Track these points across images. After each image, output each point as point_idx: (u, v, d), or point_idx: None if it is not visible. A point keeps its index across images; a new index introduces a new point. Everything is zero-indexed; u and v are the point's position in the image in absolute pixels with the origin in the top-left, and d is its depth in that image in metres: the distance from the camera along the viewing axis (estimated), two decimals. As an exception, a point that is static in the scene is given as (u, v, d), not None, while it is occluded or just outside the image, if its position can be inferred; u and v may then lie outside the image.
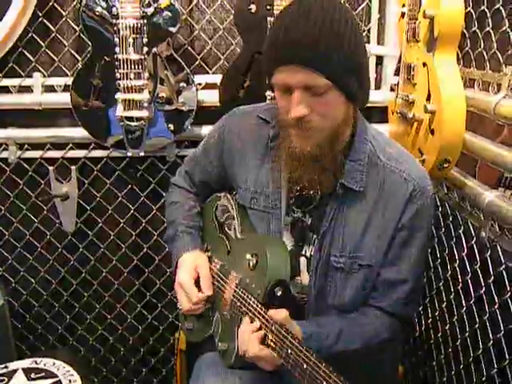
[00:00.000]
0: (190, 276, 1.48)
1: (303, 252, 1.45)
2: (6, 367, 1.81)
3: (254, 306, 1.34)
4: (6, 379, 1.75)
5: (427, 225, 1.41)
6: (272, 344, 1.23)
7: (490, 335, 1.61)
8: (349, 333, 1.36)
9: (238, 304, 1.40)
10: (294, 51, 1.19)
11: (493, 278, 1.60)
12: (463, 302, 1.78)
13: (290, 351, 1.17)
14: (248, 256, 1.42)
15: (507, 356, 1.51)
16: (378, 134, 1.45)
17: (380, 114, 2.17)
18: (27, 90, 2.17)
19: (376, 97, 2.18)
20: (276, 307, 1.28)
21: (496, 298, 1.58)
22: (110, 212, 2.37)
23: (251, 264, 1.40)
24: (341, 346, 1.34)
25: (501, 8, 1.56)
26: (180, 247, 1.56)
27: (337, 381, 1.06)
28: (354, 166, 1.36)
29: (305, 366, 1.13)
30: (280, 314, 1.24)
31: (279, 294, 1.32)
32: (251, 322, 1.31)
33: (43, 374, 1.79)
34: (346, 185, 1.36)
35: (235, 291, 1.43)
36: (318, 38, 1.18)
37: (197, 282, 1.49)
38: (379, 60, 2.21)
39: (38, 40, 2.14)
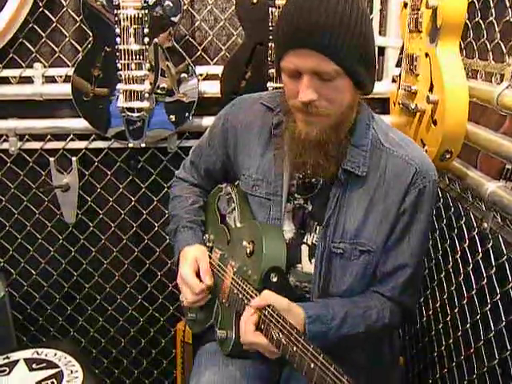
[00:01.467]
0: (190, 269, 1.49)
1: (304, 240, 1.45)
2: (7, 358, 1.82)
3: (250, 292, 1.36)
4: (8, 369, 1.76)
5: (429, 209, 1.40)
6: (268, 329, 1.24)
7: (492, 326, 1.61)
8: (354, 315, 1.36)
9: (236, 291, 1.42)
10: (307, 35, 1.18)
11: (494, 269, 1.60)
12: (464, 293, 1.78)
13: (295, 349, 1.16)
14: (245, 243, 1.44)
15: (508, 347, 1.51)
16: (379, 120, 1.46)
17: (382, 105, 2.17)
18: (28, 80, 2.16)
19: (378, 88, 2.14)
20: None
21: (498, 289, 1.58)
22: (110, 203, 2.37)
23: (248, 251, 1.42)
24: (345, 329, 1.34)
25: (504, -2, 1.56)
26: (181, 241, 1.57)
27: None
28: (357, 151, 1.37)
29: (312, 365, 1.12)
30: (268, 298, 1.27)
31: (274, 279, 1.34)
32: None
33: (45, 364, 1.80)
34: (348, 170, 1.36)
35: (233, 279, 1.45)
36: (332, 24, 1.18)
37: (198, 274, 1.49)
38: (381, 51, 2.21)
39: (39, 30, 2.13)
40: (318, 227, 1.42)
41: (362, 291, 1.44)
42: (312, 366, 1.11)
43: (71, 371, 1.75)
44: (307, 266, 1.44)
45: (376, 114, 1.47)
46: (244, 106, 1.56)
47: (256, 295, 1.33)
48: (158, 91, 2.04)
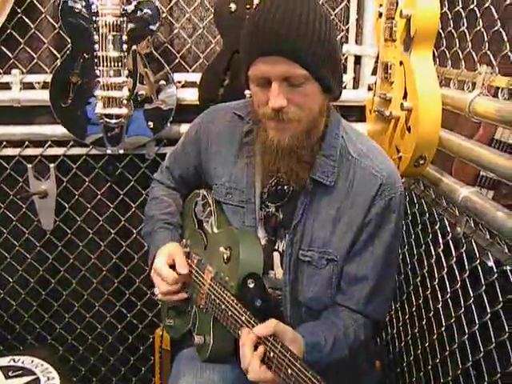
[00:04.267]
0: (164, 261, 1.48)
1: (276, 247, 1.46)
2: (-17, 365, 1.80)
3: (227, 298, 1.36)
4: (-16, 377, 1.74)
5: (394, 221, 1.40)
6: (273, 362, 1.18)
7: (466, 329, 1.64)
8: (340, 339, 1.36)
9: (213, 297, 1.42)
10: (274, 42, 1.20)
11: (468, 272, 1.63)
12: (439, 297, 1.81)
13: (290, 371, 1.13)
14: (222, 249, 1.44)
15: (481, 348, 1.54)
16: (350, 129, 1.46)
17: (358, 113, 2.20)
18: (5, 86, 2.15)
19: (354, 96, 2.22)
20: (249, 299, 1.30)
21: (471, 292, 1.61)
22: (88, 210, 2.36)
23: (225, 257, 1.42)
24: (334, 354, 1.34)
25: (475, 8, 1.60)
26: (157, 242, 1.57)
27: None
28: (325, 161, 1.38)
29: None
30: (268, 328, 1.21)
31: (251, 285, 1.33)
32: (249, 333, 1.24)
33: (21, 371, 1.79)
34: (316, 179, 1.37)
35: (210, 285, 1.45)
36: (297, 30, 1.20)
37: (172, 268, 1.48)
38: (357, 60, 2.24)
39: (17, 36, 2.12)
40: (287, 235, 1.43)
41: (327, 304, 1.44)
42: None
43: (48, 378, 1.75)
44: (280, 272, 1.46)
45: (346, 122, 1.48)
46: (216, 116, 1.58)
47: (233, 301, 1.34)
48: (137, 98, 2.05)
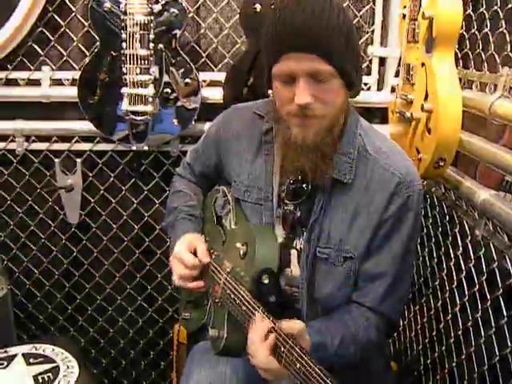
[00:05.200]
0: (186, 248, 1.49)
1: (294, 244, 1.47)
2: (5, 352, 1.85)
3: (242, 293, 1.38)
4: (6, 363, 1.80)
5: (412, 220, 1.39)
6: (283, 356, 1.19)
7: (482, 332, 1.63)
8: (347, 340, 1.36)
9: (228, 291, 1.44)
10: (301, 38, 1.21)
11: (486, 275, 1.62)
12: (457, 300, 1.81)
13: (298, 365, 1.14)
14: (239, 245, 1.46)
15: (497, 352, 1.53)
16: (368, 128, 1.46)
17: (381, 115, 2.20)
18: (36, 83, 2.21)
19: (378, 97, 2.22)
20: (263, 295, 1.31)
21: (488, 295, 1.61)
22: (113, 205, 2.41)
23: (241, 253, 1.44)
24: (341, 354, 1.34)
25: (498, 10, 1.59)
26: (179, 232, 1.57)
27: None
28: (343, 159, 1.38)
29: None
30: (293, 327, 1.23)
31: (266, 281, 1.34)
32: (262, 321, 1.26)
33: (42, 359, 1.84)
34: (334, 177, 1.37)
35: (226, 279, 1.47)
36: (322, 26, 1.21)
37: (194, 255, 1.49)
38: (382, 62, 2.24)
39: (48, 34, 2.19)
40: (304, 232, 1.44)
41: (343, 302, 1.44)
42: None
43: (67, 366, 1.78)
44: (297, 270, 1.46)
45: (364, 120, 1.48)
46: (237, 115, 1.60)
47: (247, 296, 1.35)
48: (163, 96, 2.08)
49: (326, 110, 1.29)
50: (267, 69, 1.33)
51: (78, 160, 2.30)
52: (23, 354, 1.84)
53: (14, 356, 1.83)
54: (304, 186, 1.44)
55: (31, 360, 1.81)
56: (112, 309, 2.57)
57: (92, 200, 2.39)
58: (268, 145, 1.49)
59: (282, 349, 1.19)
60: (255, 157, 1.52)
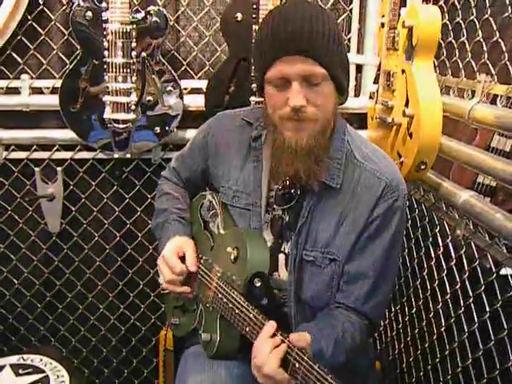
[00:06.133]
0: (174, 251, 1.51)
1: (282, 249, 1.50)
2: (-8, 363, 1.83)
3: (234, 296, 1.40)
4: (-6, 375, 1.77)
5: (396, 222, 1.43)
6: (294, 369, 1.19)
7: (465, 328, 1.69)
8: (338, 345, 1.37)
9: (220, 296, 1.46)
10: (295, 42, 1.26)
11: (467, 273, 1.68)
12: (439, 298, 1.86)
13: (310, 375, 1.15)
14: (229, 249, 1.48)
15: (481, 346, 1.59)
16: (354, 134, 1.51)
17: (359, 121, 2.25)
18: (15, 91, 2.20)
19: (356, 104, 2.27)
20: (255, 298, 1.34)
21: (470, 292, 1.66)
22: (94, 213, 2.40)
23: (232, 257, 1.46)
24: (335, 359, 1.35)
25: (474, 20, 1.66)
26: (169, 233, 1.59)
27: None
28: (332, 164, 1.42)
29: None
30: (303, 341, 1.23)
31: (258, 284, 1.37)
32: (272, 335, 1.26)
33: (31, 369, 1.82)
34: (324, 181, 1.40)
35: (217, 284, 1.49)
36: (315, 30, 1.26)
37: (182, 260, 1.51)
38: (359, 69, 2.30)
39: (27, 42, 2.17)
40: (292, 236, 1.46)
41: (327, 304, 1.47)
42: None
43: (57, 376, 1.77)
44: (284, 274, 1.49)
45: (350, 127, 1.52)
46: (225, 121, 1.62)
47: (240, 299, 1.38)
48: (144, 103, 2.09)
49: (319, 113, 1.33)
50: (260, 75, 1.36)
51: (59, 168, 2.29)
52: (11, 365, 1.82)
53: (3, 367, 1.81)
54: (293, 191, 1.48)
55: (20, 371, 1.79)
56: (94, 318, 2.55)
57: (73, 209, 2.38)
58: (257, 151, 1.52)
59: (292, 360, 1.20)
60: (244, 163, 1.55)
